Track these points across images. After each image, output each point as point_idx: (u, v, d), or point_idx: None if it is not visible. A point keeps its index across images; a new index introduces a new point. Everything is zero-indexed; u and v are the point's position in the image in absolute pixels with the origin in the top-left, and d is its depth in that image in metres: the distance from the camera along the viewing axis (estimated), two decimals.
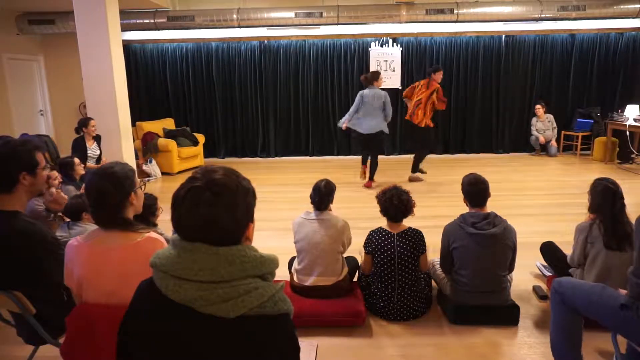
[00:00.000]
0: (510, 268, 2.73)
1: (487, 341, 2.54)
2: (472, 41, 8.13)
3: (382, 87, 5.86)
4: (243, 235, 1.00)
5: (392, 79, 8.13)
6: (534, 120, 7.98)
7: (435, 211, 4.82)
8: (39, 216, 3.00)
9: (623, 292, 1.93)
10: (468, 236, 2.60)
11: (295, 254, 2.91)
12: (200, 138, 7.81)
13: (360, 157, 6.33)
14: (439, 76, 5.94)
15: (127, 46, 8.05)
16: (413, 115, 5.97)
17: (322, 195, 2.76)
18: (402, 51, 8.08)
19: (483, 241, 2.57)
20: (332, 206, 2.90)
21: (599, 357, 2.35)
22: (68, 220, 2.73)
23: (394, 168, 7.15)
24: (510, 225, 2.66)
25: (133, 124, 6.53)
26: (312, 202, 2.80)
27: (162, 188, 6.47)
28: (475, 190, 2.65)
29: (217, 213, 0.93)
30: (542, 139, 7.86)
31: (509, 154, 8.39)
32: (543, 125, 7.86)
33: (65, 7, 6.60)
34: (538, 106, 7.85)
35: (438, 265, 2.96)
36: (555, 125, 7.86)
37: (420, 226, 2.89)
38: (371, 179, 6.03)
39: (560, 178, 6.49)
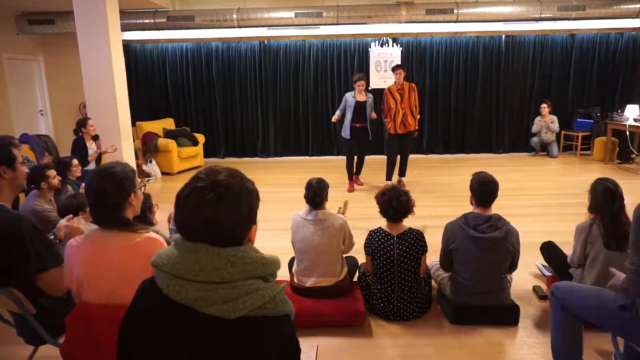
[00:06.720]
0: (511, 269, 2.72)
1: (487, 341, 2.54)
2: (472, 41, 8.13)
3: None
4: (245, 236, 1.00)
5: (391, 79, 8.08)
6: (537, 119, 7.96)
7: (435, 211, 4.83)
8: (39, 216, 2.99)
9: (621, 275, 1.92)
10: (468, 238, 2.59)
11: (294, 254, 2.90)
12: (200, 138, 7.81)
13: (349, 164, 5.97)
14: (396, 76, 5.68)
15: (127, 46, 8.05)
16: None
17: (315, 191, 2.75)
18: (402, 51, 8.08)
19: (483, 244, 2.57)
20: (330, 205, 2.90)
21: (598, 357, 2.35)
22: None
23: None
24: (514, 228, 2.64)
25: (133, 124, 6.52)
26: (307, 201, 2.80)
27: (162, 188, 6.47)
28: (485, 190, 2.62)
29: (220, 214, 0.93)
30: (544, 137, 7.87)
31: (508, 154, 8.40)
32: (545, 125, 7.84)
33: (65, 7, 6.59)
34: (544, 105, 7.80)
35: (438, 266, 2.95)
36: (556, 124, 7.83)
37: (420, 226, 2.89)
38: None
39: (560, 178, 6.49)
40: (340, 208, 3.20)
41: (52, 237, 2.42)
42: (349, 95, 5.75)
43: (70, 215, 2.27)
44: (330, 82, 8.34)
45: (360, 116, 5.71)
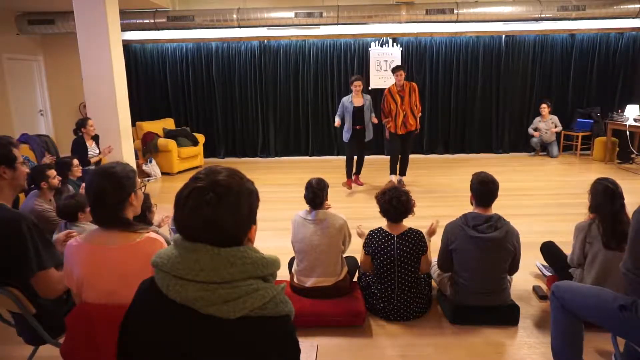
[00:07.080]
0: (512, 270, 2.72)
1: (487, 341, 2.54)
2: (472, 41, 8.13)
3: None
4: (245, 236, 1.00)
5: (392, 79, 8.09)
6: (536, 120, 7.97)
7: (435, 211, 4.82)
8: (38, 216, 2.99)
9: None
10: (468, 238, 2.59)
11: (294, 254, 2.90)
12: (200, 138, 7.81)
13: (348, 162, 6.00)
14: (396, 77, 5.66)
15: (127, 46, 8.05)
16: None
17: (315, 191, 2.75)
18: (402, 51, 8.08)
19: (483, 244, 2.56)
20: (329, 204, 2.90)
21: (598, 357, 2.35)
22: (64, 221, 2.71)
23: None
24: (514, 228, 2.64)
25: (133, 124, 6.52)
26: (307, 202, 2.81)
27: (162, 188, 6.47)
28: (485, 189, 2.62)
29: (219, 214, 0.93)
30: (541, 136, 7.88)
31: (508, 154, 8.39)
32: (545, 125, 7.84)
33: (65, 7, 6.60)
34: (543, 105, 7.81)
35: (437, 265, 2.95)
36: (558, 125, 7.83)
37: (421, 226, 2.89)
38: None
39: (560, 178, 6.49)
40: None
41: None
42: (346, 100, 5.71)
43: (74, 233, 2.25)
44: (330, 82, 8.33)
45: (360, 119, 5.71)
